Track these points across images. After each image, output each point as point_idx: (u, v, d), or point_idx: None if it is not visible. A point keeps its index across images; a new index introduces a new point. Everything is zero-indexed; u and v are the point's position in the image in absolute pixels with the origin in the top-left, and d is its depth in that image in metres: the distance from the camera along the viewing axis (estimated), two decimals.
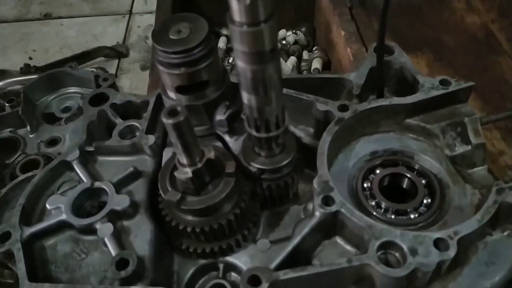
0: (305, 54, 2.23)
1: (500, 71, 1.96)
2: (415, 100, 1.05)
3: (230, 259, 1.03)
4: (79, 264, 0.91)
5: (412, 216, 0.98)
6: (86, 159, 1.07)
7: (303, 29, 2.31)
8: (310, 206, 1.06)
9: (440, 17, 2.24)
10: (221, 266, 1.04)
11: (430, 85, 1.08)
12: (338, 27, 1.82)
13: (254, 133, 0.92)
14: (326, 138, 1.00)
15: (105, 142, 1.08)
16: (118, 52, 2.88)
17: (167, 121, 0.78)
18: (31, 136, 1.67)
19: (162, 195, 0.93)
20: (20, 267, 0.86)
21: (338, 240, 0.94)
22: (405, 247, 0.81)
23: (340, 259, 0.82)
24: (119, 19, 3.22)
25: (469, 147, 1.07)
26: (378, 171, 1.06)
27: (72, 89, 1.81)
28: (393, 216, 0.99)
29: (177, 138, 0.82)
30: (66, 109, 1.79)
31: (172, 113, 0.79)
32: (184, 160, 0.88)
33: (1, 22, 3.27)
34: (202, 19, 0.96)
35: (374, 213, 0.99)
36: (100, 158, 1.09)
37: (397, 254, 0.84)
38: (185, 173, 0.89)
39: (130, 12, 3.28)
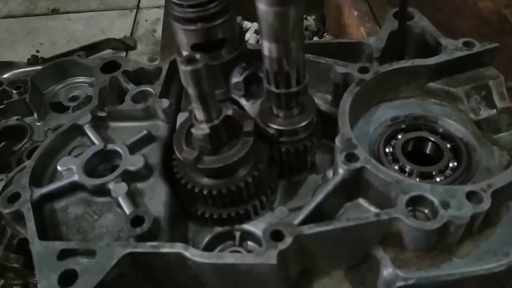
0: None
1: None
2: (438, 61, 1.01)
3: (247, 226, 0.99)
4: (92, 225, 0.87)
5: (438, 179, 0.94)
6: (98, 125, 1.04)
7: (313, 17, 2.29)
8: (329, 173, 1.02)
9: (452, 3, 2.21)
10: (237, 234, 1.00)
11: (453, 47, 1.04)
12: (351, 8, 1.79)
13: (273, 89, 0.89)
14: (347, 98, 0.96)
15: (117, 107, 1.04)
16: (126, 45, 2.86)
17: (185, 68, 0.75)
18: (38, 124, 1.65)
19: (178, 154, 0.90)
20: (30, 226, 0.82)
21: (362, 201, 0.90)
22: (436, 201, 0.76)
23: (367, 214, 0.78)
24: (126, 13, 3.22)
25: (494, 111, 1.03)
26: (400, 136, 1.02)
27: (80, 79, 1.79)
28: (418, 180, 0.95)
29: (194, 88, 0.78)
30: (74, 98, 1.77)
31: (191, 60, 0.76)
32: (201, 115, 0.85)
33: (8, 17, 3.27)
34: None
35: None
36: (112, 123, 1.06)
37: (426, 211, 0.79)
38: (202, 129, 0.85)
39: (138, 7, 3.27)
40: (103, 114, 1.05)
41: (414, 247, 0.79)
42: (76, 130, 1.02)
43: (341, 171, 0.84)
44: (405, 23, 1.06)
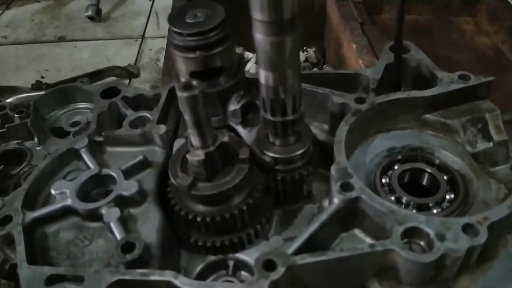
0: None
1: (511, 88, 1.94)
2: (435, 93, 1.02)
3: (240, 256, 0.97)
4: (82, 251, 0.86)
5: (435, 211, 0.93)
6: (95, 149, 1.04)
7: (313, 49, 2.33)
8: (325, 203, 1.01)
9: (450, 38, 2.26)
10: (231, 263, 0.98)
11: (449, 79, 1.05)
12: (350, 41, 1.83)
13: (269, 117, 0.90)
14: (343, 128, 0.96)
15: (115, 132, 1.05)
16: (129, 72, 2.91)
17: (182, 94, 0.76)
18: (38, 148, 1.65)
19: (172, 180, 0.89)
20: (20, 250, 0.81)
21: (357, 232, 0.88)
22: (431, 233, 0.75)
23: (361, 245, 0.77)
24: (131, 42, 3.29)
25: (491, 144, 1.03)
26: (396, 167, 1.02)
27: (82, 104, 1.80)
28: (414, 211, 0.93)
29: (190, 114, 0.79)
30: (75, 124, 1.78)
31: (187, 86, 0.76)
32: (197, 141, 0.85)
33: (16, 44, 3.34)
34: (219, 5, 0.96)
35: None
36: (109, 148, 1.06)
37: (422, 243, 0.78)
38: (198, 155, 0.85)
39: (143, 36, 3.34)
40: (100, 139, 1.05)
41: (410, 280, 0.77)
42: (72, 154, 1.02)
43: (336, 200, 0.84)
44: (401, 55, 1.08)
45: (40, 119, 1.69)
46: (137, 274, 0.76)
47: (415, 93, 1.03)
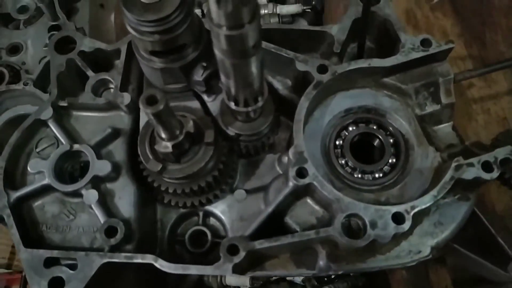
0: None
1: None
2: (395, 63, 1.05)
3: (209, 208, 1.13)
4: (69, 225, 0.97)
5: (377, 175, 1.07)
6: (61, 115, 1.05)
7: None
8: (284, 159, 1.12)
9: None
10: (200, 213, 1.14)
11: (411, 45, 1.06)
12: None
13: (232, 106, 0.92)
14: (303, 104, 1.01)
15: (78, 99, 1.05)
16: None
17: (146, 110, 0.77)
18: None
19: (144, 163, 0.96)
20: (14, 233, 0.92)
21: (309, 200, 1.03)
22: (366, 220, 0.91)
23: (309, 232, 0.92)
24: None
25: (439, 106, 1.11)
26: (350, 129, 1.11)
27: None
28: (359, 175, 1.07)
29: (156, 123, 0.82)
30: (23, 9, 1.67)
31: (151, 101, 0.77)
32: (163, 134, 0.89)
33: None
34: None
35: (342, 172, 1.06)
36: (75, 112, 1.07)
37: (359, 222, 0.94)
38: (165, 147, 0.91)
39: None
40: (64, 104, 1.05)
41: (346, 249, 0.96)
42: (40, 124, 1.04)
43: (291, 184, 0.95)
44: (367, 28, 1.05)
45: None
46: (122, 257, 0.90)
47: (375, 62, 1.05)
